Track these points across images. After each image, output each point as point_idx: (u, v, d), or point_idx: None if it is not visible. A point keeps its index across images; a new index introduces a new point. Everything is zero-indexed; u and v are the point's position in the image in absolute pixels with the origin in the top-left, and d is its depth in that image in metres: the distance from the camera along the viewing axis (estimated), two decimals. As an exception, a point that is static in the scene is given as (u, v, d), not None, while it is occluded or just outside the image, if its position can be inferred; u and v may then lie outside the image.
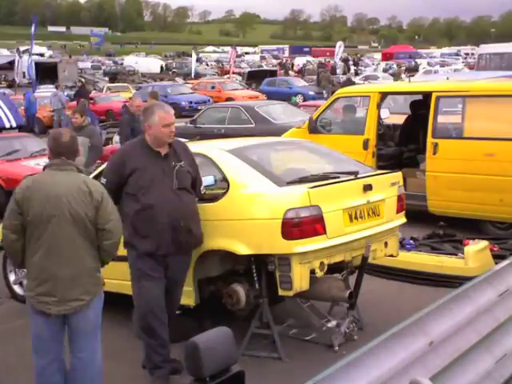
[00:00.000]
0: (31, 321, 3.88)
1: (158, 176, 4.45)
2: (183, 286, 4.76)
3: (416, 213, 7.51)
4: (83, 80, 31.79)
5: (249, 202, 4.72)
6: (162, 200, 4.40)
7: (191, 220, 4.53)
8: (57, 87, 22.42)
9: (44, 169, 3.95)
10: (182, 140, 5.31)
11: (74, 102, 25.75)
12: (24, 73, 36.08)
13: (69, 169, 3.84)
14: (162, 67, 54.16)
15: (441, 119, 8.40)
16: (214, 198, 4.90)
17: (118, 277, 5.33)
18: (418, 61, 50.90)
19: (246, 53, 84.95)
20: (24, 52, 33.15)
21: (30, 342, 5.43)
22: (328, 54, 72.77)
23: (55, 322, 3.83)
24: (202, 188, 4.76)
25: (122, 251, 5.37)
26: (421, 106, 9.48)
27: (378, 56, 70.19)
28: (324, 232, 4.55)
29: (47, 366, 3.88)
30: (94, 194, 3.77)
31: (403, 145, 9.76)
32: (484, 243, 6.58)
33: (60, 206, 3.71)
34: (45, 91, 27.47)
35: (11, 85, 33.02)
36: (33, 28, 27.61)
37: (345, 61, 41.47)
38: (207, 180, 4.93)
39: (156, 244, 4.43)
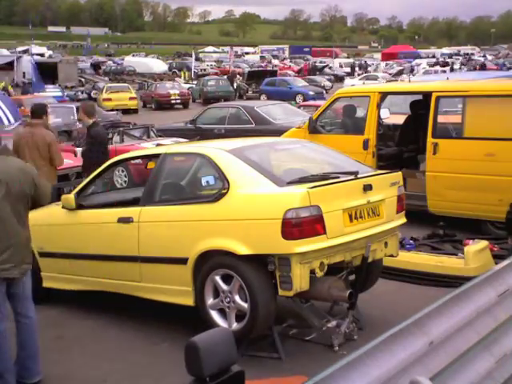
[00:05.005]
0: None
1: None
2: None
3: (416, 213, 7.51)
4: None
5: (249, 202, 4.73)
6: None
7: None
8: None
9: None
10: (182, 140, 5.32)
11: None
12: (24, 73, 36.10)
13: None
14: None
15: (441, 119, 8.40)
16: (214, 198, 4.91)
17: (117, 277, 5.34)
18: (418, 61, 50.92)
19: (246, 53, 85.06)
20: (24, 52, 33.17)
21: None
22: (328, 54, 72.88)
23: None
24: None
25: (121, 251, 5.39)
26: (421, 106, 9.48)
27: (378, 56, 70.21)
28: (324, 232, 4.55)
29: None
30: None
31: (403, 145, 9.75)
32: (484, 243, 6.59)
33: None
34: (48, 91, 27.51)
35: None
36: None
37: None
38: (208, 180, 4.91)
39: None
